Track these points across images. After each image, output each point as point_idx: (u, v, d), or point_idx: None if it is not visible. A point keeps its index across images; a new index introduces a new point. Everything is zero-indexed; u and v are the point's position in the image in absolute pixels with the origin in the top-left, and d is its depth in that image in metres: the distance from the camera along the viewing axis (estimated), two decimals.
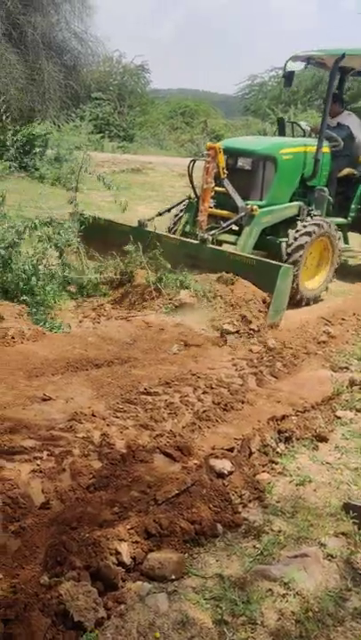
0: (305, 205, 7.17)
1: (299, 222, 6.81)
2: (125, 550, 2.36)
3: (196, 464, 3.15)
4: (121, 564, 2.33)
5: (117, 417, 3.83)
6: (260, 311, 5.71)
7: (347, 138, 7.93)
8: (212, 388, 4.36)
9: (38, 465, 3.17)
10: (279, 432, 3.67)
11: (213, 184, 6.56)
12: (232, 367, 4.85)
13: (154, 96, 37.74)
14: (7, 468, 3.12)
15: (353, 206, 8.11)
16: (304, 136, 8.31)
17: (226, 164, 6.68)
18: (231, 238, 6.70)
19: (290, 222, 6.89)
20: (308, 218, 6.94)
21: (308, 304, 6.85)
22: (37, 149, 15.47)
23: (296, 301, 6.63)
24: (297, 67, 8.11)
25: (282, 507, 2.97)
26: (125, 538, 2.42)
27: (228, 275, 5.91)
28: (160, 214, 7.16)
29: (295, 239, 6.64)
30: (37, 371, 4.46)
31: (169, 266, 6.07)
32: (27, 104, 14.59)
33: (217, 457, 3.16)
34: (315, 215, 7.09)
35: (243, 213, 6.55)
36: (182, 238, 6.63)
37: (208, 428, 3.78)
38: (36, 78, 14.78)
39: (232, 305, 5.72)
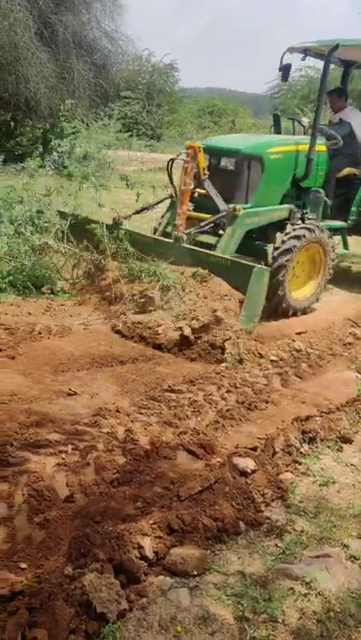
0: (296, 208, 6.68)
1: (289, 225, 6.33)
2: (148, 545, 2.38)
3: (219, 462, 3.16)
4: (143, 558, 2.35)
5: (141, 413, 3.86)
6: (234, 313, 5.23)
7: (347, 135, 7.35)
8: (236, 387, 4.37)
9: (63, 459, 3.21)
10: (303, 432, 3.66)
11: (192, 185, 6.19)
12: (256, 367, 4.85)
13: (182, 95, 37.71)
14: (33, 460, 3.17)
15: (354, 209, 7.52)
16: (305, 133, 7.66)
17: (209, 165, 6.31)
18: (212, 240, 6.14)
19: (280, 227, 6.42)
20: (300, 222, 6.44)
21: (295, 315, 6.34)
22: (66, 147, 15.63)
23: (281, 311, 6.17)
24: (294, 59, 7.40)
25: (305, 507, 2.96)
26: (148, 532, 2.44)
27: (204, 271, 5.54)
28: (138, 212, 6.82)
29: (283, 242, 6.13)
30: (63, 366, 4.52)
31: (133, 254, 5.87)
32: (56, 102, 14.73)
33: (240, 455, 3.16)
34: (309, 219, 6.61)
35: (223, 213, 6.08)
36: (156, 237, 6.32)
37: (231, 426, 3.79)
38: (66, 77, 14.92)
39: (205, 297, 5.33)
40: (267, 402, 4.19)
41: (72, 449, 3.31)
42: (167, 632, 2.10)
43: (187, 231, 5.98)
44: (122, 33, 16.88)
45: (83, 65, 15.19)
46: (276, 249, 6.12)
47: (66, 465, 3.14)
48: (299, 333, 5.70)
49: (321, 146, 6.95)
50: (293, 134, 7.69)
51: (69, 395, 4.04)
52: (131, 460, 3.23)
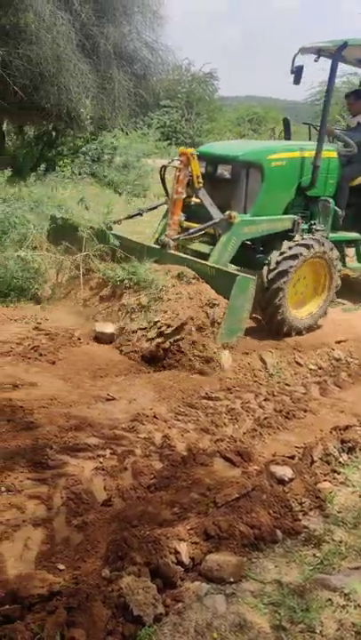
0: (301, 219, 6.20)
1: (285, 243, 5.77)
2: (185, 550, 2.39)
3: (256, 470, 3.15)
4: (180, 563, 2.36)
5: (178, 420, 3.88)
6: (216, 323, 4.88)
7: None
8: (274, 395, 4.35)
9: (101, 463, 3.26)
10: (342, 442, 3.61)
11: (185, 194, 5.84)
12: (295, 375, 4.81)
13: (221, 103, 37.82)
14: (71, 464, 3.23)
15: None
16: (309, 138, 7.29)
17: (204, 173, 5.99)
18: (207, 249, 5.74)
19: (284, 238, 5.91)
20: (303, 234, 6.00)
21: (299, 334, 5.87)
22: (106, 156, 15.85)
23: (284, 333, 5.73)
24: (306, 60, 6.82)
25: (343, 517, 2.92)
26: (185, 538, 2.45)
27: (191, 272, 5.17)
28: (130, 217, 6.57)
29: (278, 263, 5.60)
30: (102, 371, 4.58)
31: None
32: (97, 112, 14.96)
33: (278, 463, 3.15)
34: (317, 230, 6.23)
35: (217, 220, 5.68)
36: (144, 242, 5.92)
37: (269, 434, 3.77)
38: (107, 87, 15.12)
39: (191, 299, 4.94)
40: (305, 410, 4.16)
41: (110, 453, 3.35)
42: (203, 638, 2.10)
43: (174, 237, 5.66)
44: (162, 43, 17.04)
45: (123, 75, 15.37)
46: (271, 270, 5.60)
47: (104, 469, 3.19)
48: (339, 342, 5.62)
49: (331, 152, 6.61)
50: (310, 140, 7.30)
51: (108, 400, 4.09)
52: (168, 466, 3.25)
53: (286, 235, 5.97)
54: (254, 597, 2.30)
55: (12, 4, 12.08)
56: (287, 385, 4.62)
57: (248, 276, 5.08)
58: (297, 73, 6.73)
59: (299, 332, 5.87)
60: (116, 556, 2.32)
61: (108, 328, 5.21)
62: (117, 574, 2.22)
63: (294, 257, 5.62)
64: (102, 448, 3.41)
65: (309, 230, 6.28)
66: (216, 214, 5.75)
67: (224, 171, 5.99)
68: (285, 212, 6.32)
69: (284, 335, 5.72)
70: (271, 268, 5.59)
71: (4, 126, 19.06)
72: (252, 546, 2.57)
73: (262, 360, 4.87)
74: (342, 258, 6.73)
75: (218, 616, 2.17)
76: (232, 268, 5.73)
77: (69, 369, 4.54)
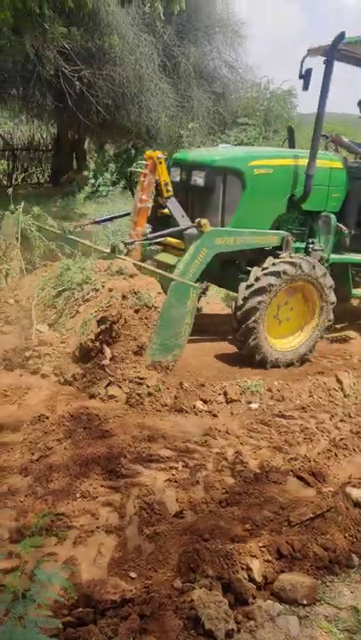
0: (290, 235, 5.47)
1: (269, 259, 5.15)
2: (257, 567, 2.36)
3: (331, 491, 3.07)
4: (251, 580, 2.33)
5: (251, 437, 3.86)
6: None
7: None
8: (350, 416, 4.24)
9: (173, 475, 3.28)
10: None
11: (150, 202, 5.33)
12: None
13: (300, 120, 37.58)
14: (144, 474, 3.28)
15: None
16: (326, 148, 6.65)
17: (180, 181, 5.48)
18: (173, 260, 5.16)
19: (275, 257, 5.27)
20: (288, 253, 5.30)
21: (275, 366, 5.24)
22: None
23: (258, 363, 5.15)
24: (315, 63, 6.01)
25: None
26: (257, 555, 2.42)
27: (126, 263, 4.67)
28: (97, 222, 6.16)
29: (257, 279, 4.99)
30: None
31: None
32: (175, 130, 15.25)
33: (354, 486, 3.05)
34: (314, 250, 5.60)
35: (182, 227, 5.12)
36: (96, 246, 5.44)
37: (344, 456, 3.68)
38: (186, 105, 15.40)
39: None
40: None
41: (182, 466, 3.37)
42: None
43: (128, 241, 5.13)
44: (242, 62, 17.20)
45: (203, 94, 15.62)
46: (248, 286, 5.03)
47: (176, 481, 3.21)
48: None
49: (335, 162, 5.89)
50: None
51: (180, 412, 4.11)
52: (240, 482, 3.23)
53: (275, 253, 5.33)
54: (329, 622, 2.23)
55: (99, 27, 12.55)
56: None
57: (188, 282, 4.57)
58: (306, 77, 6.07)
59: (275, 365, 5.24)
60: (188, 568, 2.33)
61: None
62: (189, 586, 2.22)
63: (277, 274, 5.01)
64: (175, 460, 3.43)
65: (306, 250, 5.69)
66: (186, 226, 5.19)
67: (198, 178, 5.37)
68: (276, 228, 5.66)
69: (259, 365, 5.16)
70: (249, 283, 5.05)
71: (86, 144, 19.77)
72: (327, 569, 2.50)
73: (339, 380, 4.75)
74: (348, 282, 6.10)
75: (290, 638, 2.13)
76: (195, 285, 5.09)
77: None
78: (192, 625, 2.06)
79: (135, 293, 4.41)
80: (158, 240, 5.31)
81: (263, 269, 5.06)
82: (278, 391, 4.52)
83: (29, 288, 5.19)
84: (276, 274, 5.01)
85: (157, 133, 14.69)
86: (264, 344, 5.12)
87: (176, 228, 5.15)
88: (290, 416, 4.17)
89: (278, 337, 5.37)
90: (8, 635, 1.45)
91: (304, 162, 5.48)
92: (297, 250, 5.66)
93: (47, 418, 3.74)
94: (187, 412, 4.09)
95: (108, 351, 4.22)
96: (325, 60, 5.47)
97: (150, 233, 5.34)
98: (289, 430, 3.95)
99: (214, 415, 4.12)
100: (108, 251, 5.08)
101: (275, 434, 3.91)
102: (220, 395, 4.39)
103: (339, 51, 5.63)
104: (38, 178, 19.41)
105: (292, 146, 6.66)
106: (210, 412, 4.15)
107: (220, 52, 16.43)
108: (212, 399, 4.31)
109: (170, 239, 5.36)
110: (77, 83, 12.68)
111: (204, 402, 4.26)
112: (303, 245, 5.77)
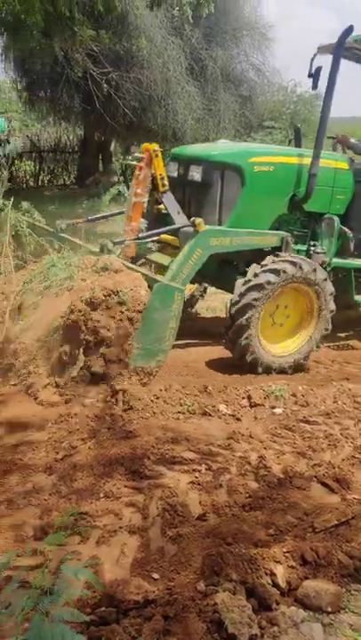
0: (290, 236, 5.32)
1: (269, 257, 5.01)
2: (281, 573, 2.35)
3: (356, 498, 3.04)
4: (275, 585, 2.32)
5: (275, 442, 3.84)
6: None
7: None
8: None
9: (197, 477, 3.28)
10: None
11: (146, 197, 5.12)
12: None
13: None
14: (168, 475, 3.28)
15: None
16: (343, 151, 6.46)
17: (177, 176, 5.33)
18: (167, 261, 5.02)
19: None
20: (289, 254, 5.13)
21: (267, 373, 5.07)
22: None
23: (248, 366, 5.01)
24: (324, 61, 5.79)
25: None
26: (281, 560, 2.41)
27: (112, 259, 4.45)
28: (89, 221, 5.87)
29: (255, 275, 4.85)
30: None
31: None
32: (202, 133, 15.28)
33: None
34: (316, 253, 5.43)
35: (177, 226, 4.93)
36: (85, 244, 5.21)
37: None
38: (212, 108, 15.45)
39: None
40: None
41: (205, 469, 3.37)
42: None
43: (118, 240, 4.92)
44: (269, 65, 17.19)
45: (229, 97, 15.65)
46: (245, 282, 4.90)
47: (199, 484, 3.21)
48: None
49: (340, 162, 5.72)
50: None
51: (203, 415, 4.11)
52: (263, 487, 3.22)
53: (275, 254, 5.16)
54: (354, 631, 2.21)
55: (127, 30, 12.65)
56: None
57: (174, 285, 4.39)
58: (315, 76, 5.90)
59: (267, 371, 5.08)
60: (212, 571, 2.32)
61: None
62: (213, 589, 2.22)
63: (276, 272, 4.86)
64: (198, 463, 3.43)
65: (307, 252, 5.53)
66: (181, 223, 4.98)
67: (195, 173, 5.20)
68: (277, 228, 5.50)
69: (250, 369, 5.02)
70: (247, 279, 4.91)
71: (112, 147, 19.91)
72: (351, 577, 2.48)
73: None
74: (350, 288, 5.89)
75: None
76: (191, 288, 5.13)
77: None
78: (215, 628, 2.06)
79: (116, 293, 4.21)
80: (154, 238, 5.17)
81: (263, 266, 4.92)
82: (303, 396, 4.48)
83: (18, 283, 5.07)
84: (276, 272, 4.87)
85: (183, 136, 14.74)
86: (256, 345, 4.95)
87: (170, 227, 4.98)
88: (314, 422, 4.14)
89: (273, 341, 5.22)
90: (36, 629, 1.47)
91: (308, 161, 5.32)
92: (298, 252, 5.50)
93: (71, 417, 3.78)
94: (210, 414, 4.09)
95: (81, 358, 4.12)
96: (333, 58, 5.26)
97: (146, 229, 5.21)
98: (313, 436, 3.92)
99: (238, 419, 4.11)
100: (93, 249, 4.93)
101: (299, 439, 3.89)
102: (243, 398, 4.38)
103: (349, 49, 5.43)
104: (64, 179, 19.61)
105: (298, 146, 6.48)
106: (233, 415, 4.14)
107: (247, 55, 16.46)
108: (235, 402, 4.30)
109: (166, 237, 5.21)
110: (105, 85, 12.80)
111: (228, 405, 4.26)
112: (305, 248, 5.62)
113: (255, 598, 2.25)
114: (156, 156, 4.97)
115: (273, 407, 4.33)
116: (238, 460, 3.50)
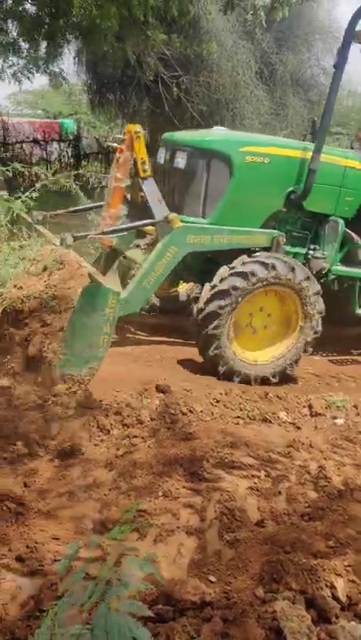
0: (282, 236, 4.87)
1: (238, 259, 4.58)
2: (341, 586, 2.31)
3: None
4: (335, 598, 2.28)
5: (335, 452, 3.78)
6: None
7: None
8: None
9: (255, 483, 3.27)
10: None
11: (126, 182, 4.68)
12: None
13: None
14: (226, 479, 3.28)
15: None
16: (351, 147, 6.04)
17: (164, 163, 4.98)
18: (142, 258, 4.73)
19: None
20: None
21: (246, 382, 4.68)
22: None
23: (223, 375, 4.64)
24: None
25: None
26: (342, 574, 2.37)
27: (65, 253, 4.13)
28: (71, 212, 5.50)
29: (221, 280, 4.48)
30: None
31: None
32: None
33: None
34: (316, 258, 5.01)
35: (152, 221, 4.50)
36: (52, 235, 4.79)
37: None
38: (280, 113, 15.32)
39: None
40: None
41: (265, 475, 3.36)
42: None
43: (78, 234, 4.54)
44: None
45: (298, 101, 15.48)
46: (212, 287, 4.51)
47: (258, 490, 3.20)
48: None
49: (352, 161, 5.19)
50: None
51: (263, 421, 4.09)
52: (323, 497, 3.17)
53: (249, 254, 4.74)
54: None
55: (198, 35, 12.74)
56: None
57: (108, 287, 3.95)
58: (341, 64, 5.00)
59: (245, 381, 4.69)
60: (271, 578, 2.31)
61: None
62: (272, 596, 2.21)
63: (244, 276, 4.44)
64: (257, 469, 3.42)
65: (305, 256, 5.11)
66: (158, 212, 4.50)
67: (180, 159, 4.79)
68: (273, 227, 5.07)
69: (225, 377, 4.65)
70: (212, 284, 4.56)
71: None
72: None
73: None
74: (353, 298, 5.44)
75: None
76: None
77: (229, 384, 4.61)
78: (273, 636, 2.04)
79: (50, 287, 3.93)
80: (131, 230, 4.79)
81: (231, 269, 4.55)
82: None
83: None
84: (243, 275, 4.46)
85: None
86: (229, 354, 4.59)
87: (147, 221, 4.55)
88: None
89: (252, 348, 4.83)
90: (103, 619, 1.51)
91: (310, 154, 4.86)
92: (296, 255, 5.12)
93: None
94: (270, 421, 4.06)
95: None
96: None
97: (125, 216, 4.77)
98: None
99: (298, 427, 4.07)
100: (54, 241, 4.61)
101: (360, 451, 3.81)
102: (304, 407, 4.33)
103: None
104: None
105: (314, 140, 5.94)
106: (294, 423, 4.10)
107: (318, 60, 16.22)
108: (296, 411, 4.26)
109: (149, 228, 4.80)
110: (175, 89, 12.91)
111: (288, 412, 4.22)
112: (304, 251, 5.21)
113: (315, 609, 2.21)
114: (138, 138, 4.52)
115: (334, 417, 4.26)
116: (298, 469, 3.47)
